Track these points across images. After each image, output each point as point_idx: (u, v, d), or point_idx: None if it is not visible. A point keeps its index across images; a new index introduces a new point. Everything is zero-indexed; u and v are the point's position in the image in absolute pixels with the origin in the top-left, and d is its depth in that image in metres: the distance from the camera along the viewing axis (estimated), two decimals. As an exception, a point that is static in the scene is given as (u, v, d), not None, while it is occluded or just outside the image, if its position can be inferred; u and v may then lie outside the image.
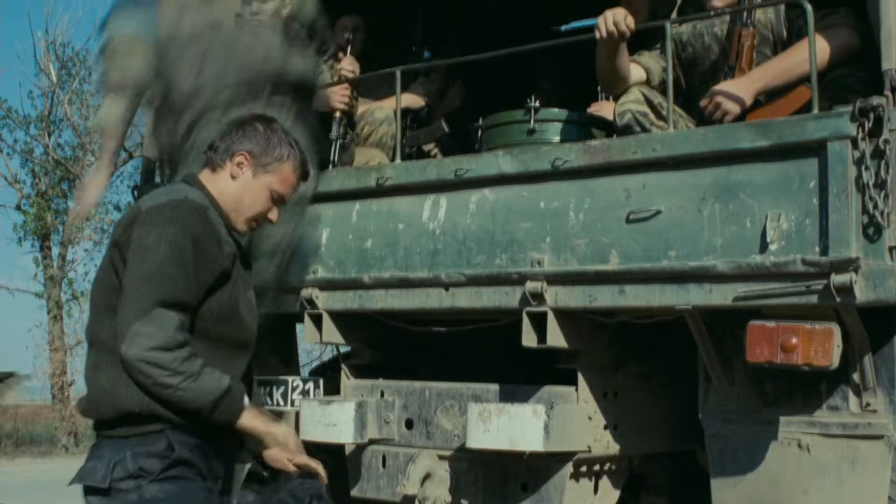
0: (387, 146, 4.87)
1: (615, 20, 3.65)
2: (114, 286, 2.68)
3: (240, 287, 2.82)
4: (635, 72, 3.96)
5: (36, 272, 18.26)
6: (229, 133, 2.93)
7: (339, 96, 4.72)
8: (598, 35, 3.70)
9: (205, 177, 2.90)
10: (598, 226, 3.52)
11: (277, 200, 2.93)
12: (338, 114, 4.73)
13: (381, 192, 4.05)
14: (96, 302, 2.75)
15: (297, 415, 4.16)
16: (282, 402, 4.33)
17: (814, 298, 3.11)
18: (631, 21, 3.67)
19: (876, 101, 3.06)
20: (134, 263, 2.61)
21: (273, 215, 2.96)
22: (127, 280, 2.62)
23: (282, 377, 4.36)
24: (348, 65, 4.85)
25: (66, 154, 18.30)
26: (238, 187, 2.87)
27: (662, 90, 3.85)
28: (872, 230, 3.07)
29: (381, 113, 5.00)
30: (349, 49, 4.99)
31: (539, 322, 3.60)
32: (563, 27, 6.34)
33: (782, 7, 3.81)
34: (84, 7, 26.70)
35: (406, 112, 4.92)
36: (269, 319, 3.41)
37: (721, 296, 3.25)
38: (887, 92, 3.13)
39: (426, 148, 5.31)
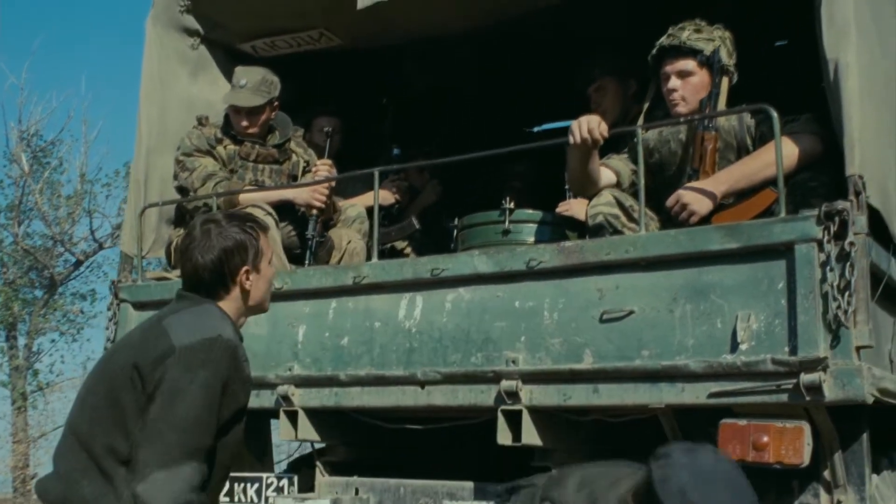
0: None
1: (590, 127, 3.72)
2: (123, 404, 2.64)
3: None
4: (605, 175, 4.03)
5: (1, 362, 18.05)
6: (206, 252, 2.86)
7: (316, 195, 4.77)
8: (571, 140, 3.76)
9: (222, 304, 2.86)
10: (573, 325, 3.57)
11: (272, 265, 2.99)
12: (314, 212, 4.79)
13: (357, 290, 4.08)
14: (95, 406, 2.70)
15: (272, 512, 4.14)
16: (256, 500, 4.30)
17: (784, 397, 3.17)
18: (605, 128, 3.75)
19: (841, 205, 3.16)
20: (164, 405, 2.58)
21: (275, 279, 3.16)
22: (154, 419, 2.58)
23: (256, 474, 4.32)
24: (325, 166, 4.91)
25: (35, 243, 18.22)
26: (254, 292, 2.90)
27: (632, 193, 3.93)
28: (839, 330, 3.13)
29: (354, 210, 5.06)
30: (326, 150, 5.07)
31: (514, 420, 3.63)
32: (535, 129, 6.51)
33: (746, 114, 3.92)
34: (58, 98, 26.75)
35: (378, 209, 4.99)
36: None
37: (693, 394, 3.31)
38: (851, 196, 3.22)
39: (398, 245, 5.37)
